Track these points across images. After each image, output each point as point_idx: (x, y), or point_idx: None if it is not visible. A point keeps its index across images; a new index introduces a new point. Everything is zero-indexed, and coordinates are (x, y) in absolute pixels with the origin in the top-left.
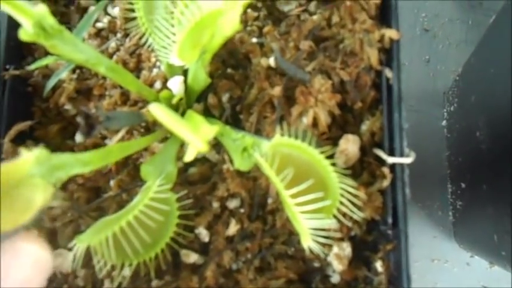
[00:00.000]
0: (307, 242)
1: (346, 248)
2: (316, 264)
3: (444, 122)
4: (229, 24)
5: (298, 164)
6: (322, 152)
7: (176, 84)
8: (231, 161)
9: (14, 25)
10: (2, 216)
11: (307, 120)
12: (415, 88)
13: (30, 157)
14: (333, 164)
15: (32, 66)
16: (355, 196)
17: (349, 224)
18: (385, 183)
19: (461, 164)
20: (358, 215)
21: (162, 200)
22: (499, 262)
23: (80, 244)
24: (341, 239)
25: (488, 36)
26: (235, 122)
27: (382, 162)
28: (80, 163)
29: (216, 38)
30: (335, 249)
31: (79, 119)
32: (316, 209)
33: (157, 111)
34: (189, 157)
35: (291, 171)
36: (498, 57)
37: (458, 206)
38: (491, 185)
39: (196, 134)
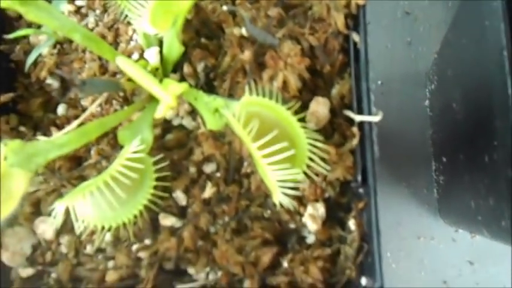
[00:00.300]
0: (278, 197)
1: (320, 209)
2: (292, 226)
3: (427, 102)
4: None
5: (268, 122)
6: (289, 109)
7: (152, 55)
8: (205, 125)
9: None
10: None
11: (277, 83)
12: (398, 70)
13: (5, 149)
14: (304, 124)
15: (11, 35)
16: (324, 151)
17: (323, 185)
18: (355, 141)
19: (443, 138)
20: (326, 169)
21: (139, 160)
22: (477, 229)
23: (59, 204)
24: (315, 200)
25: (460, 11)
26: (210, 89)
27: (352, 123)
28: (56, 147)
29: (184, 2)
30: (309, 209)
31: (54, 82)
32: (285, 164)
33: (124, 64)
34: (159, 113)
35: (258, 124)
36: (469, 30)
37: (441, 181)
38: (466, 154)
39: (165, 90)
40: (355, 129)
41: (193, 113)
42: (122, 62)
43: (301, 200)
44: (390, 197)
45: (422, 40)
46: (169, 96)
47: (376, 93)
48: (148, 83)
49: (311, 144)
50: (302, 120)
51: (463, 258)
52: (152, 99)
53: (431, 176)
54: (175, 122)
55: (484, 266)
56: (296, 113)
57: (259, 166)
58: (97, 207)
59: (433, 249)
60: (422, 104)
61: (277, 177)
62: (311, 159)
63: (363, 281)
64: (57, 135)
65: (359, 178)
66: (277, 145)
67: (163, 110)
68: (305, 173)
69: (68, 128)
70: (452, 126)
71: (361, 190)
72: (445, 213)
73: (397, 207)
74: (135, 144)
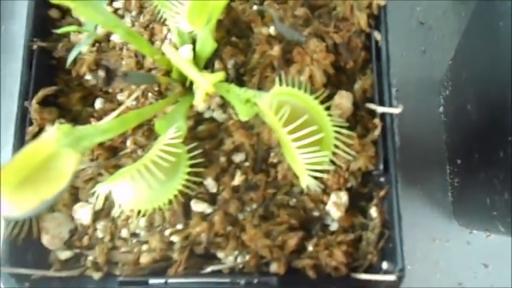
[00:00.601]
0: (305, 180)
1: (343, 197)
2: (316, 213)
3: (441, 109)
4: None
5: (296, 111)
6: (316, 99)
7: (186, 52)
8: (236, 116)
9: (39, 5)
10: (42, 188)
11: (304, 77)
12: (413, 78)
13: (57, 131)
14: (330, 113)
15: (58, 31)
16: (349, 138)
17: (346, 174)
18: (376, 132)
19: (457, 141)
20: (350, 158)
21: (175, 147)
22: (492, 226)
23: (101, 186)
24: (338, 189)
25: (475, 14)
26: (240, 83)
27: (374, 116)
28: (100, 132)
29: (217, 3)
30: (333, 197)
31: (100, 72)
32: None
33: (169, 50)
34: (197, 100)
35: (288, 110)
36: (484, 31)
37: (456, 183)
38: (481, 152)
39: (203, 77)
40: (377, 121)
41: (223, 106)
42: (167, 49)
43: (325, 189)
44: (406, 199)
45: (437, 49)
46: (207, 82)
47: None
48: (190, 70)
49: (336, 132)
50: (327, 110)
51: (478, 261)
52: (185, 93)
53: (446, 179)
54: (207, 115)
55: (498, 268)
56: (322, 104)
57: (288, 151)
58: (135, 191)
59: (448, 251)
60: (436, 110)
61: (305, 160)
62: (336, 146)
63: (384, 265)
64: (99, 123)
65: (381, 167)
66: (306, 129)
67: (201, 96)
68: (330, 161)
69: (107, 118)
70: (467, 128)
71: (382, 179)
72: (460, 215)
73: (412, 210)
74: (172, 131)
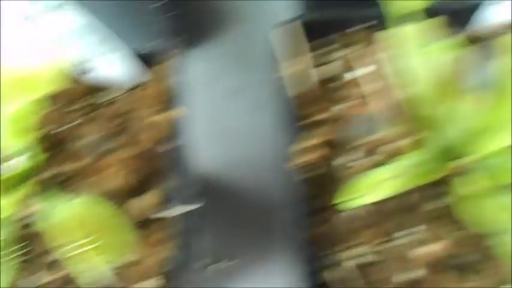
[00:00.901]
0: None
1: (154, 282)
2: None
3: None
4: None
5: (97, 218)
6: (118, 204)
7: (13, 165)
8: (53, 219)
9: None
10: None
11: (112, 183)
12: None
13: None
14: (129, 217)
15: None
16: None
17: (147, 267)
18: (170, 232)
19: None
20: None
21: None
22: None
23: None
24: (148, 277)
25: None
26: (61, 190)
27: (176, 212)
28: None
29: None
30: (146, 283)
31: None
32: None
33: None
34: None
35: (88, 219)
36: None
37: None
38: None
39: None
40: (174, 217)
41: (42, 211)
42: None
43: (139, 277)
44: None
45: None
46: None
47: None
48: None
49: (132, 233)
50: (127, 214)
51: None
52: None
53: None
54: (27, 220)
55: None
56: (123, 208)
57: (80, 256)
58: None
59: None
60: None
61: (92, 264)
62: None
63: None
64: None
65: (174, 263)
66: (99, 233)
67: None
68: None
69: None
70: None
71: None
72: None
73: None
74: None
